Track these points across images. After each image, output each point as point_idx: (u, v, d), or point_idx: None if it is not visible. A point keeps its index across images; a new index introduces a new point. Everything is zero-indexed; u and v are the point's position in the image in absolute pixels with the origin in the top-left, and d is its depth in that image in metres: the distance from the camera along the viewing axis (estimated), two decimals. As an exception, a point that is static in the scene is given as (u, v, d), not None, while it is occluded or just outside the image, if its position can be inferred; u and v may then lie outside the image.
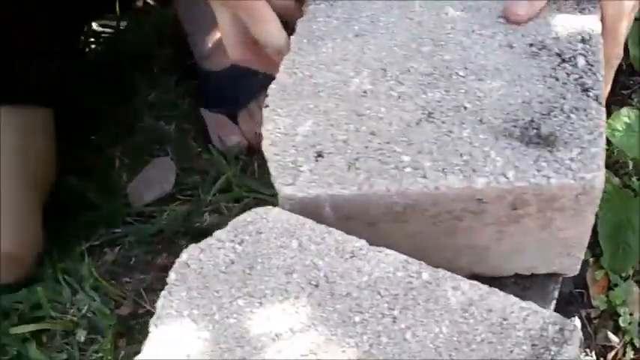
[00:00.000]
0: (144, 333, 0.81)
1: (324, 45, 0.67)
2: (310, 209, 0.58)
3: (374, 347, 0.50)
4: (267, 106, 0.64)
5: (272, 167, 0.60)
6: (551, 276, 0.67)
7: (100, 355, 0.82)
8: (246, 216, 0.58)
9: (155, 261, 0.89)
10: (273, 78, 0.97)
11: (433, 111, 0.61)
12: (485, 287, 0.53)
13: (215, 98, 1.01)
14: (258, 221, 0.57)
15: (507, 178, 0.57)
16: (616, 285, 0.72)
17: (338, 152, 0.60)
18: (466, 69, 0.63)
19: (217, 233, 0.58)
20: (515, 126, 0.59)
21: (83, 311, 0.85)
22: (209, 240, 0.57)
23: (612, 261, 0.70)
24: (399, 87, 0.63)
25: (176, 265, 0.57)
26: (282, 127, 0.62)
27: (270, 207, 0.58)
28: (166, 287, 0.56)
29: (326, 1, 0.71)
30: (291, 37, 0.69)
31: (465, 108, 0.61)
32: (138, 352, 0.80)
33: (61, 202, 0.92)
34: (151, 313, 0.84)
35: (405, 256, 0.54)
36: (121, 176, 0.94)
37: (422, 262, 0.54)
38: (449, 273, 0.53)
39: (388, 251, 0.54)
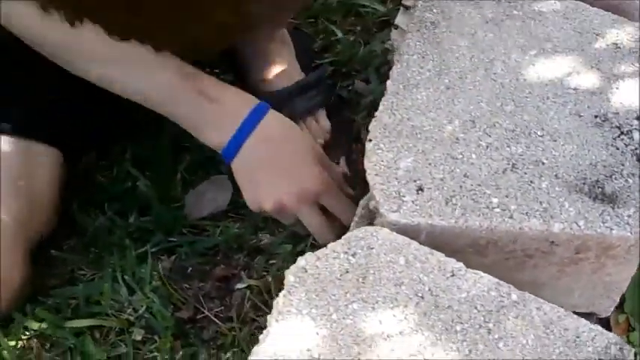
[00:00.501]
0: (200, 337, 0.87)
1: (419, 92, 0.77)
2: (409, 235, 0.68)
3: (472, 353, 0.60)
4: (370, 140, 0.73)
5: (377, 195, 0.69)
6: (588, 315, 0.78)
7: (156, 354, 0.85)
8: (358, 232, 0.67)
9: (213, 271, 0.92)
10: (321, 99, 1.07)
11: (516, 162, 0.71)
12: (562, 310, 0.63)
13: None
14: (369, 238, 0.66)
15: (579, 226, 0.67)
16: (634, 329, 0.83)
17: (436, 188, 0.69)
18: (542, 130, 0.74)
19: (331, 245, 0.66)
20: (584, 183, 0.70)
21: (140, 311, 0.88)
22: (324, 250, 0.66)
23: (633, 307, 0.82)
24: (486, 138, 0.73)
25: (294, 269, 0.65)
26: (385, 160, 0.72)
27: (379, 227, 0.67)
28: (285, 287, 0.64)
29: (418, 54, 0.81)
30: (388, 81, 0.78)
31: (543, 163, 0.71)
32: (194, 355, 0.86)
33: (126, 205, 0.98)
34: (209, 320, 0.90)
35: (496, 279, 0.64)
36: (177, 188, 1.00)
37: (510, 285, 0.64)
38: (533, 296, 0.63)
39: (482, 274, 0.64)
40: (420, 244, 0.67)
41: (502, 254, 0.70)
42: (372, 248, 0.66)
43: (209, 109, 0.87)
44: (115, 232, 0.95)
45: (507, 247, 0.69)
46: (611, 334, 0.62)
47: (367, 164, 0.72)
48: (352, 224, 0.83)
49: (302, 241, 0.95)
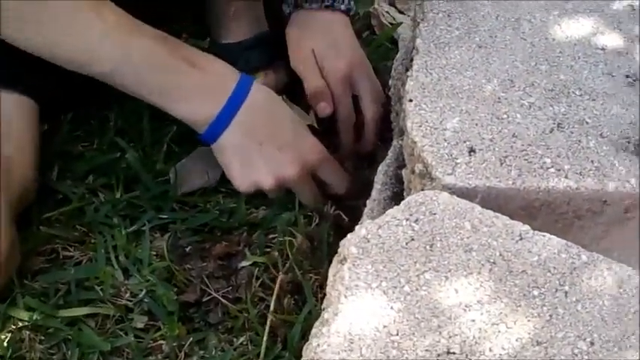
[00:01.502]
0: (206, 321, 0.79)
1: (451, 52, 0.74)
2: (463, 198, 0.64)
3: (554, 317, 0.57)
4: (410, 100, 0.69)
5: (429, 157, 0.65)
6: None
7: (161, 342, 0.77)
8: (417, 197, 0.63)
9: (213, 249, 0.84)
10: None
11: (561, 122, 0.69)
12: (629, 268, 0.61)
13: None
14: (430, 203, 0.62)
15: (631, 184, 0.66)
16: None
17: (487, 149, 0.66)
18: (580, 89, 0.72)
19: (391, 211, 0.62)
20: (628, 142, 0.69)
21: (140, 296, 0.79)
22: (384, 217, 0.61)
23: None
24: (528, 97, 0.71)
25: (355, 240, 0.60)
26: (430, 121, 0.68)
27: (439, 191, 0.63)
28: (349, 260, 0.59)
29: (443, 12, 0.77)
30: (417, 39, 0.74)
31: (587, 122, 0.70)
32: (203, 341, 0.79)
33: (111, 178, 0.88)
34: (215, 301, 0.83)
35: (564, 240, 0.62)
36: (162, 161, 0.91)
37: (579, 245, 0.62)
38: (601, 256, 0.61)
39: (549, 235, 0.62)
40: (474, 208, 0.64)
41: (553, 216, 0.67)
42: (435, 214, 0.62)
43: (193, 78, 0.80)
44: (100, 208, 0.86)
45: (560, 208, 0.67)
46: (679, 293, 0.61)
47: (410, 125, 0.68)
48: (373, 192, 0.79)
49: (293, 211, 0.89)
